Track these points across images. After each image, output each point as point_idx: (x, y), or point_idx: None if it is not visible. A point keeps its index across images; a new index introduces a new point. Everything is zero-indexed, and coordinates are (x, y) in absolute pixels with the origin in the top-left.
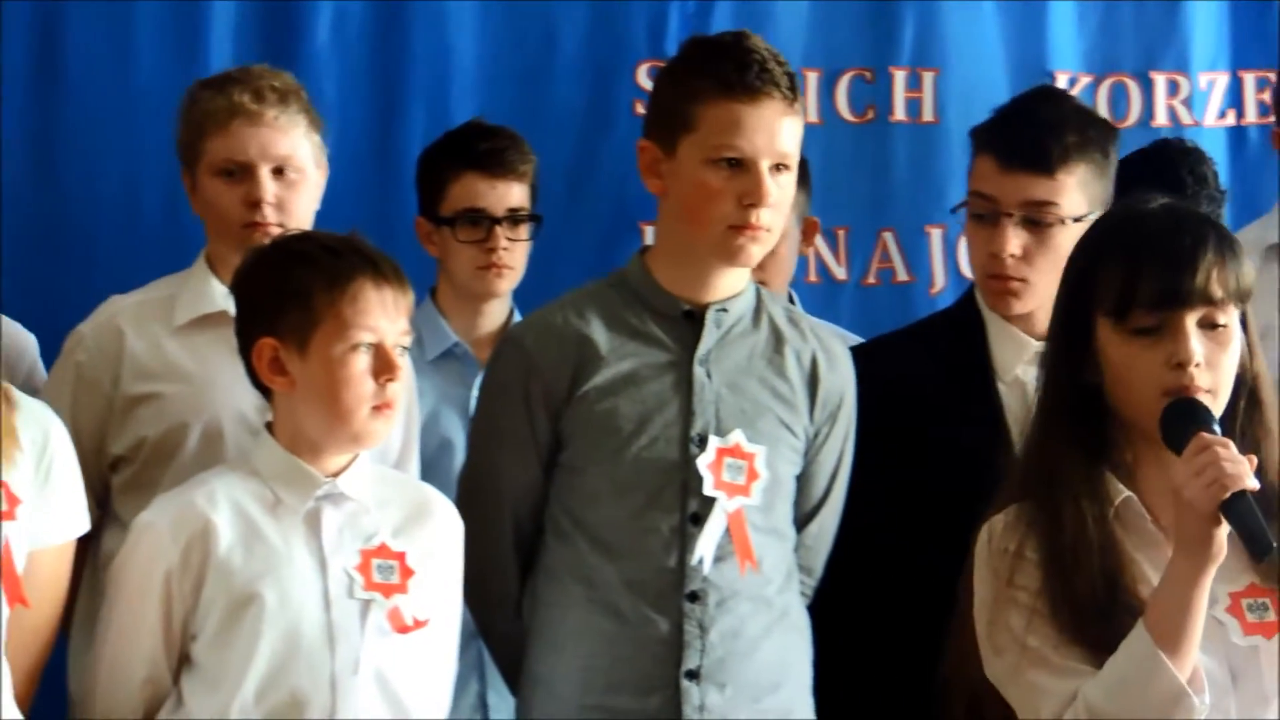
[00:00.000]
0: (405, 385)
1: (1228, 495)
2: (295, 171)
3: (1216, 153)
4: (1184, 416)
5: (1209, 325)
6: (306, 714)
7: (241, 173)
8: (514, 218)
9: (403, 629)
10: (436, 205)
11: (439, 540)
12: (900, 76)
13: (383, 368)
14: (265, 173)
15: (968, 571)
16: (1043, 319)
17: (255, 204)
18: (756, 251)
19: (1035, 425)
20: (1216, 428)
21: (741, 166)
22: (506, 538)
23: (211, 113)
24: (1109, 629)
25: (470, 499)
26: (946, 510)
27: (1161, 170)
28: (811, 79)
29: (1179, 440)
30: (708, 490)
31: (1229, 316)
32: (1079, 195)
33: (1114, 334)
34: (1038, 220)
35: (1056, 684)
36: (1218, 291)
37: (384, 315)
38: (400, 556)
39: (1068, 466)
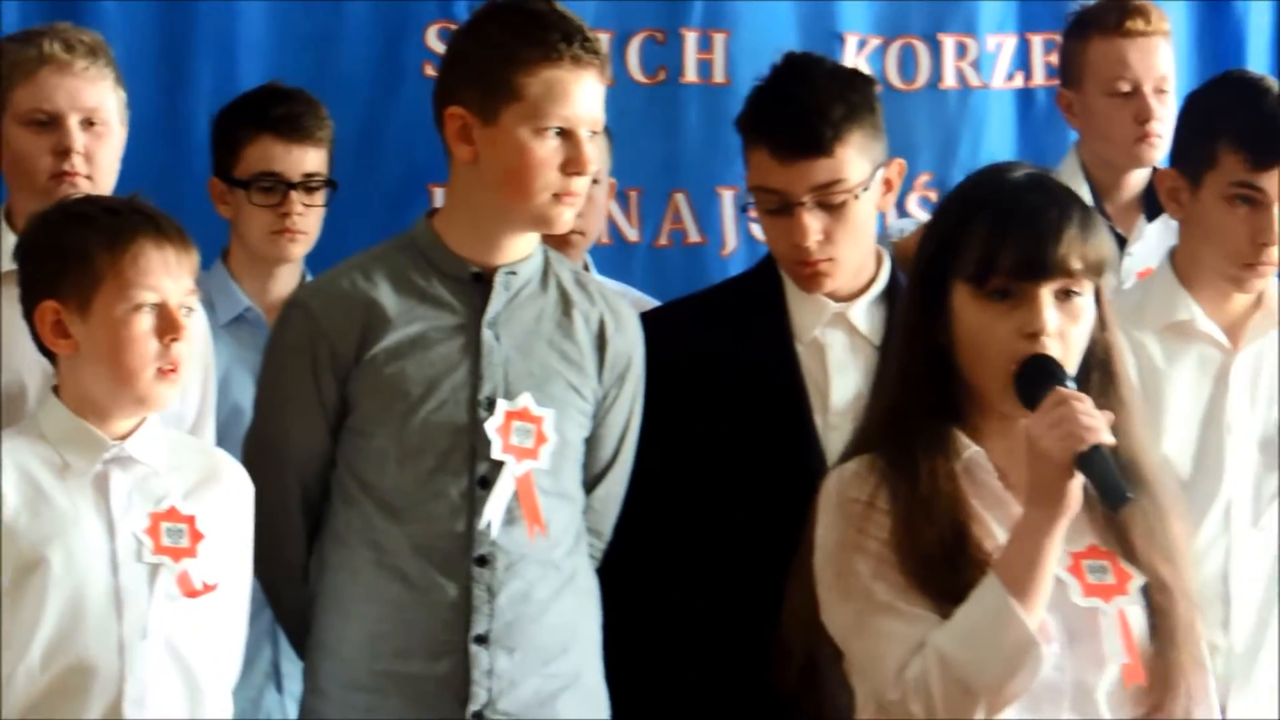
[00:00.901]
0: (201, 349)
1: (1084, 448)
2: (102, 124)
3: (1004, 115)
4: (1040, 373)
5: (1064, 297)
6: (94, 679)
7: (50, 123)
8: (309, 184)
9: (192, 593)
10: (231, 167)
11: (229, 504)
12: (691, 38)
13: (166, 328)
14: (74, 123)
15: (810, 523)
16: (844, 282)
17: (64, 153)
18: (570, 217)
19: (888, 380)
20: (1072, 384)
21: (565, 135)
22: (293, 502)
23: (19, 63)
24: (955, 580)
25: (256, 463)
26: (742, 472)
27: None
28: (603, 40)
29: (1034, 396)
30: (496, 454)
31: (1084, 289)
32: (861, 161)
33: (970, 299)
34: (830, 201)
35: (903, 629)
36: (1076, 264)
37: (166, 274)
38: (190, 520)
39: (919, 422)
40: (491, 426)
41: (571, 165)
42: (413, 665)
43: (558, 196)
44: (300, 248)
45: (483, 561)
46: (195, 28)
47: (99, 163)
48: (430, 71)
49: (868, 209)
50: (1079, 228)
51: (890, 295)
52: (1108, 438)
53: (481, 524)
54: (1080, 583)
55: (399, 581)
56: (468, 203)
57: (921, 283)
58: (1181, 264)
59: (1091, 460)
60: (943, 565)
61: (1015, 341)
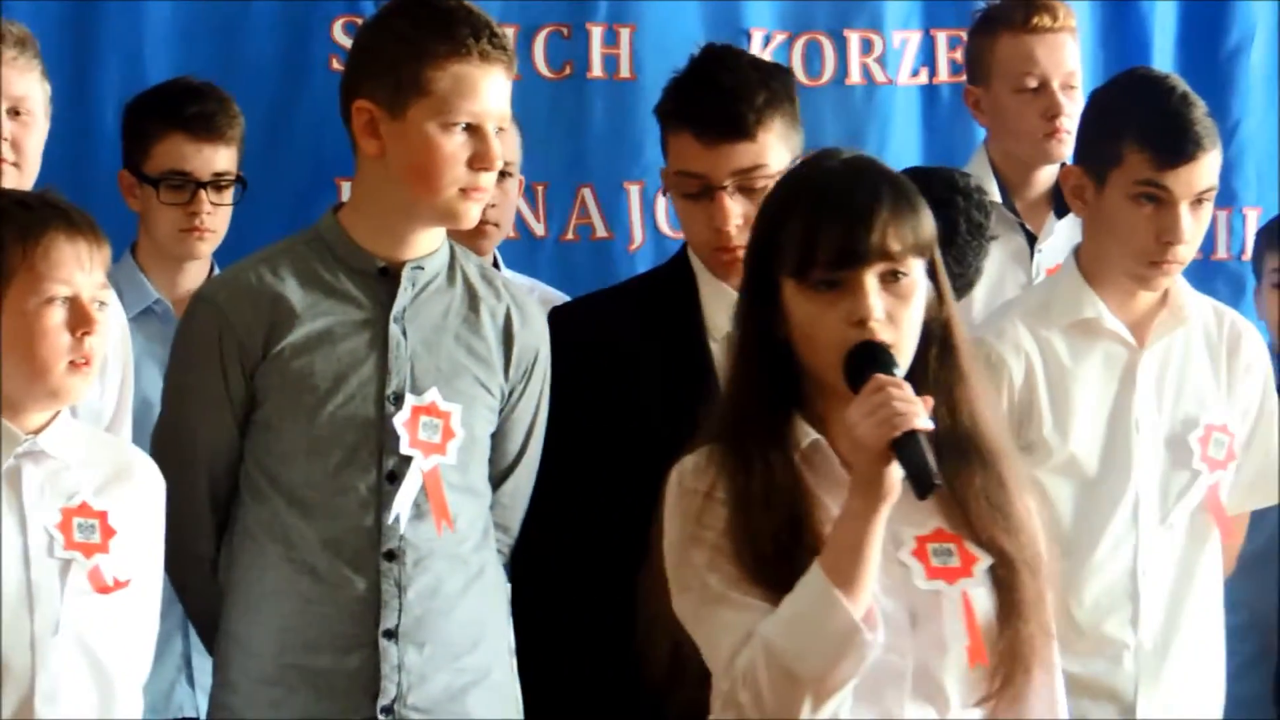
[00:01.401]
0: (120, 344)
1: (898, 434)
2: (28, 114)
3: (910, 111)
4: (865, 360)
5: (890, 279)
6: (5, 676)
7: None
8: (218, 182)
9: (103, 589)
10: (140, 162)
11: (141, 500)
12: (597, 33)
13: (79, 321)
14: (1, 111)
15: (659, 514)
16: None
17: None
18: (478, 213)
19: (727, 374)
20: (897, 371)
21: (473, 130)
22: (201, 496)
23: None
24: (790, 570)
25: (164, 457)
26: (652, 469)
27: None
28: (509, 35)
29: (859, 383)
30: (404, 449)
31: (910, 269)
32: (781, 149)
33: (797, 292)
34: (751, 185)
35: (735, 618)
36: (895, 246)
37: (79, 268)
38: (102, 515)
39: (754, 414)
40: (399, 421)
41: (479, 160)
42: (322, 660)
43: (465, 192)
44: (209, 245)
45: (391, 556)
46: (101, 19)
47: (25, 151)
48: (337, 65)
49: None
50: (891, 209)
51: None
52: (924, 423)
53: (390, 518)
54: (924, 566)
55: (308, 576)
56: (374, 197)
57: (750, 279)
58: (1087, 262)
59: (905, 446)
60: (778, 556)
61: (844, 329)
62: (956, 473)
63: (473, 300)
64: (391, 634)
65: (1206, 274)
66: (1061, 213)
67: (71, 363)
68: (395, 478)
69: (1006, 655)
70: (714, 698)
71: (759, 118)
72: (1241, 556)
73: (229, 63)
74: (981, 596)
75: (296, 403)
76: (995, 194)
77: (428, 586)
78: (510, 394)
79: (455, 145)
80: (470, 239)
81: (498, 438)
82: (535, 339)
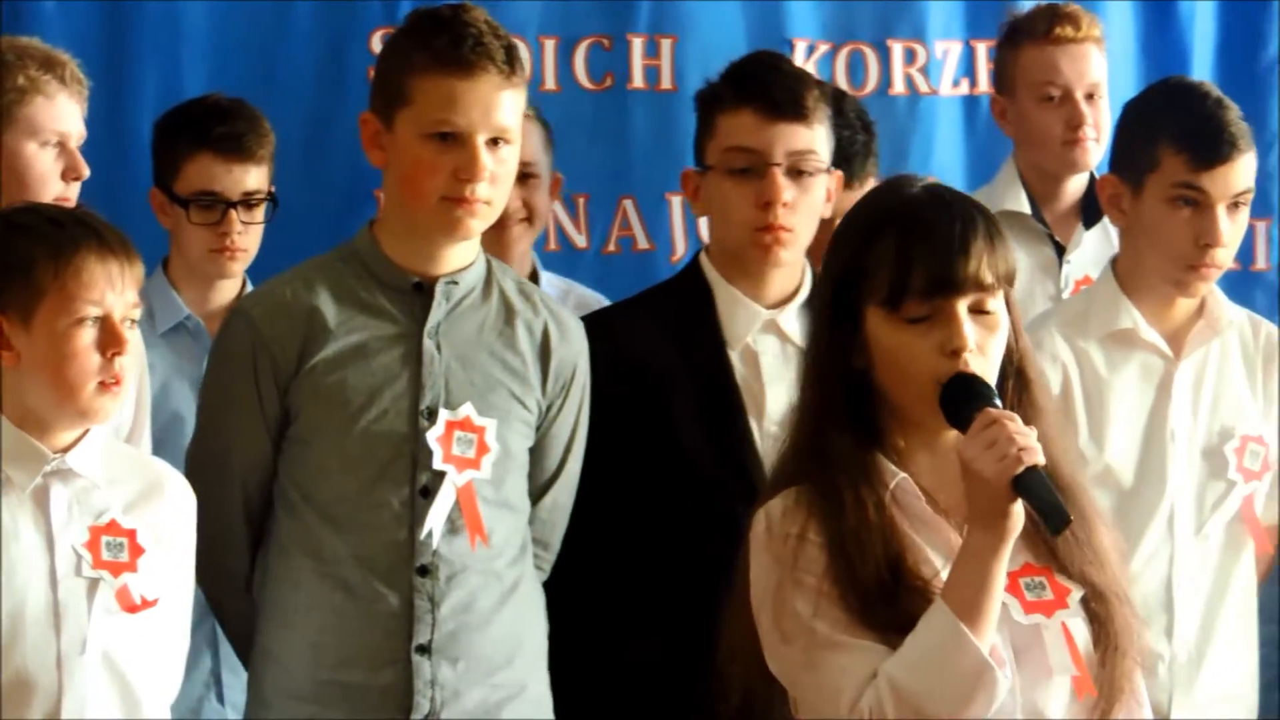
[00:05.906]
0: (136, 359)
1: (1020, 470)
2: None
3: (952, 121)
4: (966, 392)
5: (979, 310)
6: (32, 695)
7: (60, 144)
8: (249, 201)
9: (131, 608)
10: (171, 181)
11: (171, 517)
12: (638, 44)
13: (109, 342)
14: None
15: (744, 560)
16: (775, 286)
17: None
18: (475, 225)
19: (805, 410)
20: (998, 401)
21: (456, 140)
22: (235, 511)
23: (39, 82)
24: (895, 611)
25: (198, 472)
26: (681, 481)
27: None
28: (549, 46)
29: (962, 416)
30: (437, 464)
31: (998, 300)
32: (826, 148)
33: (886, 323)
34: (800, 169)
35: (852, 662)
36: (988, 277)
37: (110, 288)
38: (130, 534)
39: (842, 451)
40: (432, 436)
41: (461, 172)
42: (355, 674)
43: (451, 201)
44: (240, 265)
45: (424, 571)
46: (137, 30)
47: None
48: None
49: (823, 195)
50: (985, 239)
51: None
52: (1041, 457)
53: (423, 534)
54: (1019, 601)
55: (341, 591)
56: (395, 211)
57: (831, 309)
58: (1124, 272)
59: (1029, 483)
60: (882, 597)
61: (937, 360)
62: None
63: (509, 315)
64: (425, 649)
65: (1245, 285)
66: (1090, 223)
67: (101, 383)
68: (429, 493)
69: (1107, 687)
70: None
71: (815, 107)
72: (1277, 567)
73: (266, 75)
74: (1079, 627)
75: (330, 418)
76: (1024, 205)
77: (461, 601)
78: (548, 409)
79: (434, 155)
80: (497, 236)
81: (536, 453)
82: (574, 354)
